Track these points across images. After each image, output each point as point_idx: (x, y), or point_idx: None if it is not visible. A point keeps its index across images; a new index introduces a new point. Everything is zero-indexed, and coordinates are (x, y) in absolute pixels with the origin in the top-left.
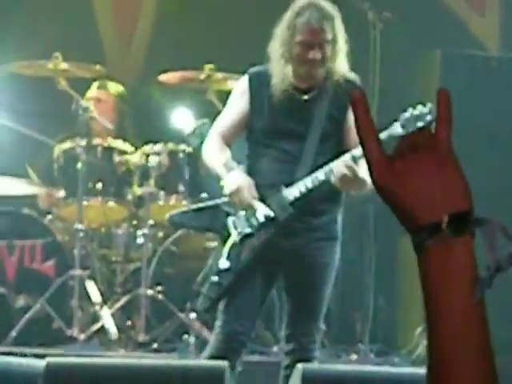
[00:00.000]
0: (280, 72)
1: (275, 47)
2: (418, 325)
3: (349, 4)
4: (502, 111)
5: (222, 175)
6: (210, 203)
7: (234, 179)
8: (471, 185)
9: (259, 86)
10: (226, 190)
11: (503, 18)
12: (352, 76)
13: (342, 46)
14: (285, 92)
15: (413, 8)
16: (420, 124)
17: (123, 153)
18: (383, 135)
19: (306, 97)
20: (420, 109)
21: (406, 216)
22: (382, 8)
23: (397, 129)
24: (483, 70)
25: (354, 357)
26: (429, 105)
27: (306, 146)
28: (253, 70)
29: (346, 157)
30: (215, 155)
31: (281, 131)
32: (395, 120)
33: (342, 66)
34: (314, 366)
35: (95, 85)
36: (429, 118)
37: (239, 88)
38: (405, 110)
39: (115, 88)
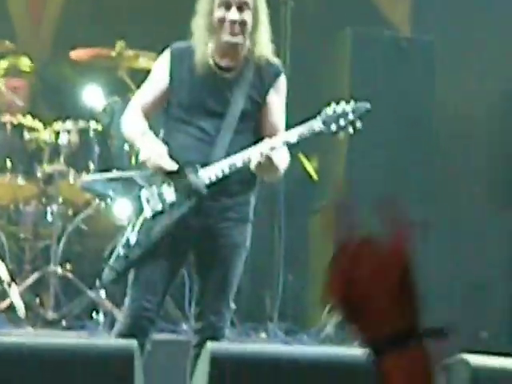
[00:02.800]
0: (202, 46)
1: (197, 21)
2: (327, 303)
3: None
4: (411, 92)
5: (138, 144)
6: (124, 174)
7: (151, 145)
8: (382, 159)
9: (180, 60)
10: (142, 156)
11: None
12: (275, 60)
13: (265, 22)
14: (206, 69)
15: None
16: (342, 122)
17: (33, 130)
18: (303, 130)
19: (227, 75)
20: (343, 106)
21: (365, 327)
22: None
23: (318, 124)
24: (394, 50)
25: (264, 335)
26: (352, 103)
27: (223, 125)
28: (175, 44)
29: (263, 146)
30: (133, 125)
31: (199, 108)
32: (318, 113)
33: (264, 47)
34: (223, 345)
35: (5, 61)
36: (351, 116)
37: (161, 62)
38: (328, 105)
39: (26, 63)
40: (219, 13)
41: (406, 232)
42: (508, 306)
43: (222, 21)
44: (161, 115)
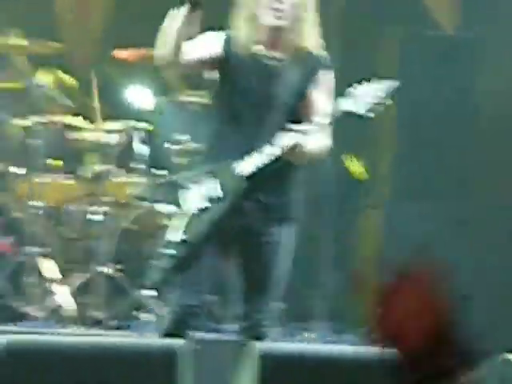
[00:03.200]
0: (247, 31)
1: (240, 11)
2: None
3: None
4: (457, 89)
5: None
6: (167, 177)
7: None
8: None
9: (231, 46)
10: None
11: None
12: (321, 53)
13: (312, 15)
14: (251, 56)
15: None
16: (370, 101)
17: (78, 129)
18: (334, 111)
19: (272, 64)
20: (369, 84)
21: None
22: None
23: (347, 104)
24: (440, 48)
25: (311, 335)
26: (379, 81)
27: (268, 117)
28: (225, 31)
29: (294, 129)
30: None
31: (245, 98)
32: (341, 95)
33: (310, 39)
34: (270, 344)
35: (53, 65)
36: (379, 93)
37: (215, 35)
38: (359, 83)
39: (70, 82)
40: (264, 1)
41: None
42: None
43: (266, 7)
44: (207, 115)
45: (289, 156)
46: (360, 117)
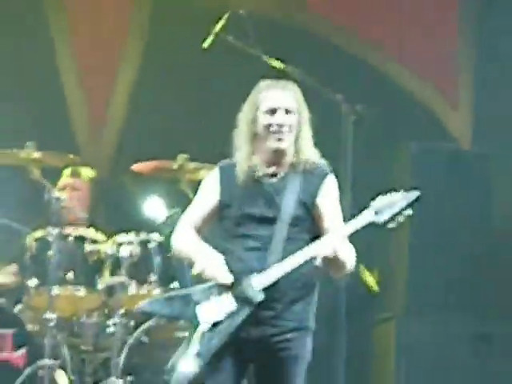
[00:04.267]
0: (245, 155)
1: (240, 131)
2: None
3: (322, 96)
4: (470, 203)
5: (193, 257)
6: (181, 291)
7: (206, 256)
8: (443, 268)
9: (229, 177)
10: (196, 268)
11: (476, 113)
12: (321, 162)
13: (307, 126)
14: (252, 178)
15: (386, 101)
16: (392, 211)
17: (95, 242)
18: (358, 222)
19: (274, 181)
20: (392, 195)
21: None
22: (356, 100)
23: (370, 214)
24: (456, 164)
25: None
26: (401, 191)
27: (275, 230)
28: (224, 161)
29: (324, 241)
30: (186, 241)
31: (251, 218)
32: (365, 207)
33: (309, 150)
34: None
35: (67, 171)
36: (401, 204)
37: (210, 179)
38: (374, 198)
39: (88, 173)
40: (265, 119)
41: None
42: None
43: (268, 127)
44: (215, 229)
45: (325, 265)
46: (382, 227)
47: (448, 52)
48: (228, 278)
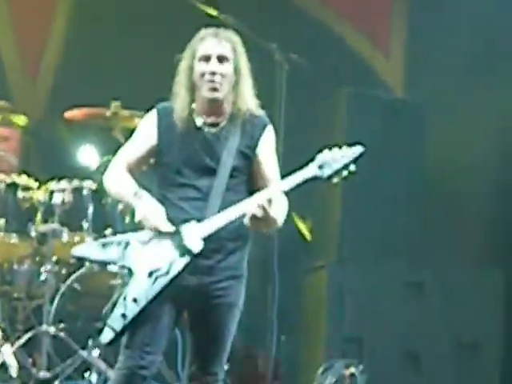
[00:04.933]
0: (184, 104)
1: (178, 79)
2: (320, 364)
3: (255, 44)
4: (406, 152)
5: (132, 203)
6: (117, 238)
7: (145, 205)
8: (376, 219)
9: (168, 120)
10: (137, 216)
11: (407, 61)
12: (260, 112)
13: (247, 75)
14: (191, 127)
15: (319, 49)
16: (336, 166)
17: (27, 189)
18: (300, 177)
19: (214, 130)
20: (336, 151)
21: None
22: (290, 49)
23: (313, 169)
24: (388, 112)
25: None
26: (345, 147)
27: (215, 181)
28: (161, 104)
29: (259, 197)
30: (122, 184)
31: (190, 166)
32: (311, 160)
33: (248, 101)
34: None
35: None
36: (345, 160)
37: (147, 120)
38: (320, 151)
39: (19, 121)
40: (199, 66)
41: None
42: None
43: (202, 74)
44: (152, 175)
45: (254, 223)
46: (324, 182)
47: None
48: (169, 227)
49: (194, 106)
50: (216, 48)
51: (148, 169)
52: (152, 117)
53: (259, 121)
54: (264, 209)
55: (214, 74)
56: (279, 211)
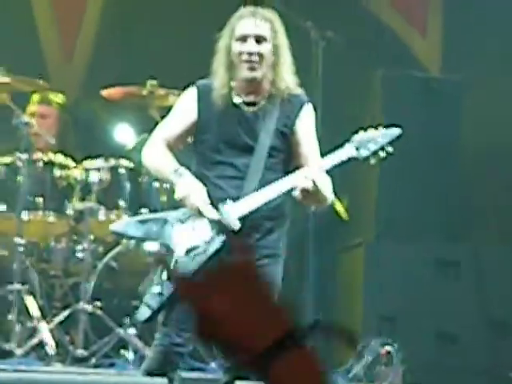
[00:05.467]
0: (223, 83)
1: (217, 59)
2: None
3: (291, 22)
4: (440, 131)
5: (172, 180)
6: (155, 215)
7: (187, 184)
8: (412, 197)
9: (207, 97)
10: (178, 194)
11: (445, 39)
12: (299, 91)
13: (286, 54)
14: (230, 105)
15: (355, 28)
16: (373, 147)
17: (64, 167)
18: (338, 157)
19: (252, 109)
20: (373, 131)
21: (234, 347)
22: (325, 27)
23: (351, 150)
24: (424, 91)
25: None
26: (381, 128)
27: (253, 160)
28: (201, 81)
29: (303, 172)
30: (162, 161)
31: (229, 145)
32: (346, 141)
33: (287, 79)
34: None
35: (36, 98)
36: (381, 141)
37: (187, 97)
38: (356, 132)
39: (57, 99)
40: (237, 46)
41: (246, 248)
42: None
43: (240, 54)
44: (190, 152)
45: (304, 198)
46: (362, 162)
47: None
48: (211, 212)
49: (232, 84)
50: (254, 28)
51: (187, 147)
52: (192, 93)
53: (297, 99)
54: (314, 182)
55: (251, 54)
56: (327, 187)
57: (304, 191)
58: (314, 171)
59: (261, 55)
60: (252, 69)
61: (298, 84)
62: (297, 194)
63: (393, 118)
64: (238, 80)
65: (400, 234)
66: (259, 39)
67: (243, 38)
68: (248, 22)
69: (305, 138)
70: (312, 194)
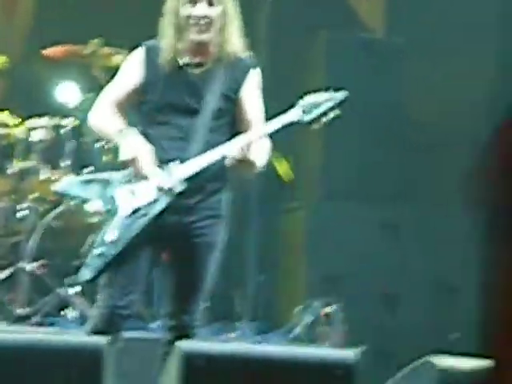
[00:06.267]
0: (169, 44)
1: (164, 20)
2: (299, 303)
3: None
4: (383, 93)
5: (117, 141)
6: (98, 175)
7: (133, 145)
8: (356, 160)
9: (154, 58)
10: (123, 156)
11: (389, 1)
12: (246, 54)
13: (234, 17)
14: (176, 67)
15: None
16: (319, 111)
17: (6, 126)
18: (282, 121)
19: (198, 71)
20: (320, 95)
21: None
22: None
23: (297, 113)
24: (367, 53)
25: (234, 335)
26: (328, 92)
27: (198, 122)
28: (149, 42)
29: (239, 141)
30: (108, 121)
31: (174, 106)
32: (292, 106)
33: (235, 43)
34: (195, 343)
35: None
36: (328, 103)
37: (134, 58)
38: (302, 96)
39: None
40: (185, 9)
41: None
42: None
43: (188, 17)
44: (134, 113)
45: (234, 166)
46: (306, 126)
47: None
48: (154, 174)
49: (179, 46)
50: None
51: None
52: (140, 54)
53: (244, 63)
54: (243, 152)
55: (200, 17)
56: (259, 155)
57: (234, 159)
58: (246, 140)
59: (209, 18)
60: (200, 31)
61: (245, 47)
62: (227, 161)
63: (335, 80)
64: (185, 42)
65: (343, 195)
66: (209, 2)
67: (193, 1)
68: None
69: (249, 102)
70: (242, 162)
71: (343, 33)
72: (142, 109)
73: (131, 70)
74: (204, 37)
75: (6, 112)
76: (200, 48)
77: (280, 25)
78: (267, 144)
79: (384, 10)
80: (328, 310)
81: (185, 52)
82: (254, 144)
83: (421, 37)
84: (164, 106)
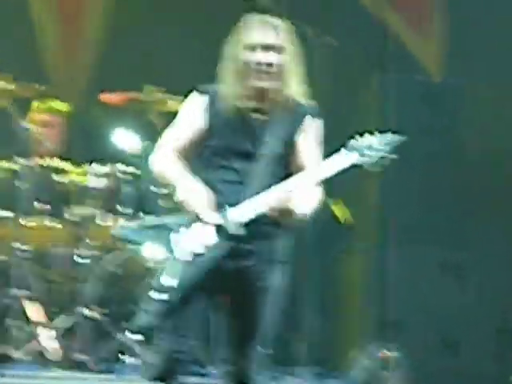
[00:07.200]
0: (230, 89)
1: (224, 65)
2: (357, 347)
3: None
4: (445, 134)
5: (175, 184)
6: (155, 220)
7: (187, 186)
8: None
9: (216, 104)
10: (178, 197)
11: (448, 43)
12: (305, 101)
13: (295, 63)
14: (236, 112)
15: (357, 32)
16: (377, 154)
17: (64, 172)
18: (339, 166)
19: (258, 116)
20: (368, 137)
21: None
22: (325, 32)
23: (353, 157)
24: (428, 96)
25: (292, 379)
26: (378, 134)
27: (257, 167)
28: (208, 87)
29: (280, 187)
30: (171, 167)
31: (233, 151)
32: (342, 146)
33: (295, 89)
34: None
35: (41, 106)
36: (382, 148)
37: (196, 103)
38: (352, 137)
39: (60, 107)
40: (246, 56)
41: None
42: None
43: (247, 64)
44: (195, 158)
45: (273, 214)
46: (366, 169)
47: None
48: (211, 218)
49: (240, 91)
50: (263, 37)
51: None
52: (202, 100)
53: (303, 109)
54: (280, 200)
55: (260, 64)
56: (303, 203)
57: (272, 208)
58: (288, 188)
59: (269, 65)
60: (260, 78)
61: (307, 94)
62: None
63: (393, 124)
64: (245, 88)
65: (403, 239)
66: (268, 48)
67: (252, 48)
68: (257, 31)
69: (305, 149)
70: (279, 212)
71: (401, 75)
72: (203, 154)
73: (194, 115)
74: (264, 83)
75: (63, 158)
76: (260, 93)
77: (336, 67)
78: (317, 191)
79: (442, 52)
80: (387, 354)
81: (245, 97)
82: (300, 191)
83: (479, 78)
84: (224, 151)
